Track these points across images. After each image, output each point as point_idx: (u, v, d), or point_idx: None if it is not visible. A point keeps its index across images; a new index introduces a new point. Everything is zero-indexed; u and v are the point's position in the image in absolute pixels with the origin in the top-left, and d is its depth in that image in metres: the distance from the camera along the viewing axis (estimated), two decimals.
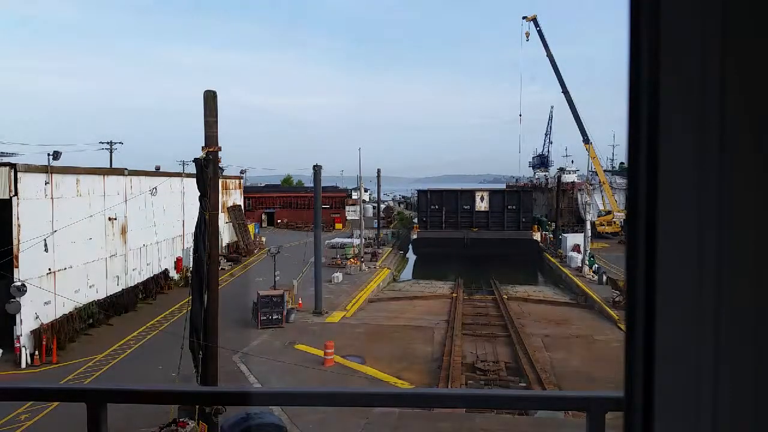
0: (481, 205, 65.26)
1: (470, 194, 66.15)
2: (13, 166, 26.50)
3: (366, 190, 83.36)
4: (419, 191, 72.18)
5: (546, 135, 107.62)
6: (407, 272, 55.36)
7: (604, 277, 41.71)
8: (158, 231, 40.69)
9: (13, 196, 26.01)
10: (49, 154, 29.56)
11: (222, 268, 38.33)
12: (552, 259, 54.22)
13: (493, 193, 67.42)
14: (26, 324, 26.05)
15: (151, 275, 38.97)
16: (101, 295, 32.44)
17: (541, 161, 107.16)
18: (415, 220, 73.67)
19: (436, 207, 65.46)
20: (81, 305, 29.64)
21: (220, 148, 15.93)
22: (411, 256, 64.18)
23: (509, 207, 64.54)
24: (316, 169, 35.28)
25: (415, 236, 64.60)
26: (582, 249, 49.72)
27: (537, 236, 61.97)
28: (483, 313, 35.57)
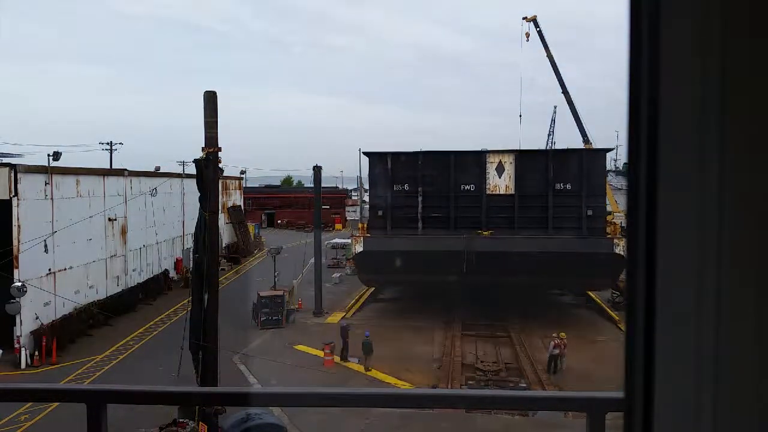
0: (500, 181, 32.18)
1: (477, 160, 32.67)
2: (13, 166, 26.53)
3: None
4: (368, 154, 34.18)
5: (549, 135, 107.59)
6: None
7: None
8: (158, 231, 40.71)
9: (13, 196, 26.03)
10: (49, 155, 29.56)
11: (222, 269, 38.32)
12: None
13: (523, 155, 33.12)
14: (26, 324, 26.06)
15: (151, 276, 39.00)
16: (101, 296, 32.45)
17: None
18: (356, 214, 40.39)
19: (406, 187, 32.54)
20: (81, 306, 29.65)
21: (220, 149, 15.94)
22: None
23: (559, 186, 31.60)
24: (316, 169, 35.30)
25: (359, 248, 32.16)
26: None
27: (620, 248, 29.30)
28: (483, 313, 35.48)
